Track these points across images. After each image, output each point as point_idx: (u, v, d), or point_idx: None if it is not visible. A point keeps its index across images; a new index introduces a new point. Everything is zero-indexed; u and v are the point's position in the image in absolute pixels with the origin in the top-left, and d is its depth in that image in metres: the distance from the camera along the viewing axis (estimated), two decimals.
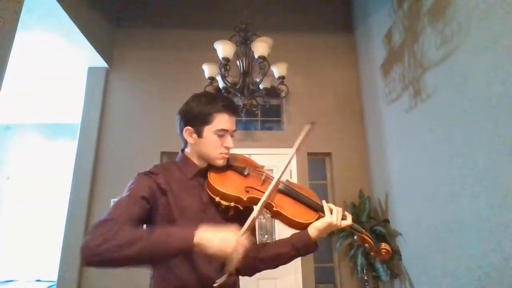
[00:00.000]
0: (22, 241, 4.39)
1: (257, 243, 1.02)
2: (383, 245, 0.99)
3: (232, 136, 0.97)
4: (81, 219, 2.60)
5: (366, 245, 1.01)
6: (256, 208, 0.86)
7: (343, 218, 0.96)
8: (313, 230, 0.92)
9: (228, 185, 0.92)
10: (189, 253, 0.72)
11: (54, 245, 3.60)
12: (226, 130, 0.93)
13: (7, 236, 4.43)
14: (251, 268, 0.97)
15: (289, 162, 0.98)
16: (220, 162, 0.95)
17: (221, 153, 0.94)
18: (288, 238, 0.96)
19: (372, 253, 1.02)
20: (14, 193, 4.61)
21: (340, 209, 0.96)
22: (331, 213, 0.93)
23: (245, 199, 0.90)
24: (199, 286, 0.86)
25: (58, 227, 2.91)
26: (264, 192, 0.90)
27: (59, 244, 2.57)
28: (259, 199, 0.89)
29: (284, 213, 0.92)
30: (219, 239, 0.72)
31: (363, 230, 1.02)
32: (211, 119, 0.92)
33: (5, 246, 4.39)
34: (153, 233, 0.72)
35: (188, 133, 0.95)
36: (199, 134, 0.93)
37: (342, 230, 0.96)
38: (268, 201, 0.91)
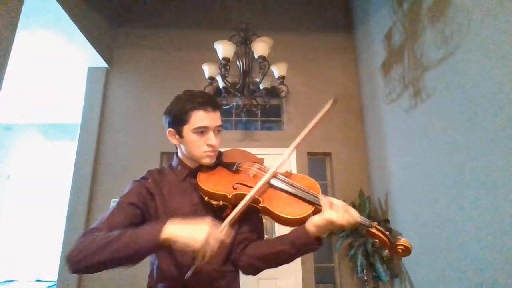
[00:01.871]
0: (22, 241, 4.39)
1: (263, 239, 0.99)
2: (402, 241, 0.80)
3: (218, 131, 0.94)
4: (81, 219, 2.60)
5: (376, 240, 0.84)
6: (241, 204, 0.81)
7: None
8: (311, 227, 0.80)
9: (214, 184, 0.89)
10: (158, 249, 0.72)
11: (54, 245, 3.60)
12: (205, 127, 0.90)
13: (7, 236, 4.43)
14: (252, 267, 0.91)
15: (293, 149, 0.90)
16: (207, 161, 0.92)
17: (205, 152, 0.91)
18: (287, 234, 0.86)
19: (386, 250, 0.85)
20: (14, 193, 4.61)
21: (342, 204, 0.79)
22: (331, 208, 0.79)
23: (229, 196, 0.86)
24: (189, 280, 0.86)
25: (58, 227, 2.91)
26: (252, 187, 0.85)
27: (59, 244, 2.57)
28: (245, 196, 0.83)
29: (271, 209, 0.83)
30: (189, 233, 0.70)
31: (373, 224, 0.84)
32: (188, 118, 0.89)
33: (5, 246, 4.39)
34: (124, 234, 0.73)
35: (171, 135, 0.95)
36: (180, 135, 0.92)
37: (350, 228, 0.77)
38: (256, 196, 0.84)
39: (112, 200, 2.69)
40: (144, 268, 0.92)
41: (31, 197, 4.58)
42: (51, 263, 4.01)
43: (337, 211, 0.78)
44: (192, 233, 0.70)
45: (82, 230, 2.57)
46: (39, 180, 4.64)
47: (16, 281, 4.23)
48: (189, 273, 0.74)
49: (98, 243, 0.72)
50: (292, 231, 0.85)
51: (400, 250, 0.81)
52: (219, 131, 0.94)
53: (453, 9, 1.77)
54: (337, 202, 0.80)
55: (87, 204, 2.65)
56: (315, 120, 0.89)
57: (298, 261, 2.68)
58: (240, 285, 0.98)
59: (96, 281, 2.51)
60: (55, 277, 2.52)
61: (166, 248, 0.72)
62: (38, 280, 4.24)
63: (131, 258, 0.73)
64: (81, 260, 0.71)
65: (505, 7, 1.43)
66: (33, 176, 4.67)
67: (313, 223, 0.79)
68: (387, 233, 0.83)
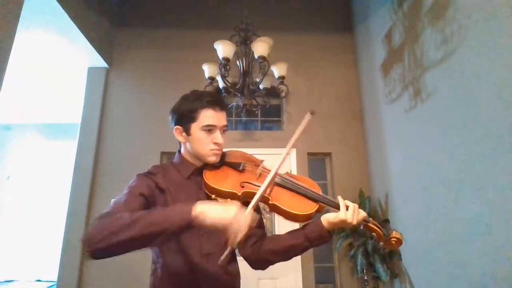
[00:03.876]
0: (22, 241, 4.39)
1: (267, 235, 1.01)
2: (394, 233, 0.92)
3: (224, 131, 0.96)
4: (81, 219, 2.59)
5: (374, 234, 0.95)
6: (252, 201, 0.83)
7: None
8: (325, 222, 0.91)
9: (222, 182, 0.91)
10: (190, 226, 0.69)
11: (54, 245, 3.60)
12: (213, 126, 0.92)
13: (7, 236, 4.43)
14: (264, 261, 0.95)
15: (287, 154, 0.95)
16: (212, 159, 0.95)
17: (211, 150, 0.93)
18: (300, 228, 0.94)
19: (381, 243, 0.95)
20: (14, 193, 4.61)
21: (356, 206, 0.93)
22: (346, 210, 0.91)
23: (239, 194, 0.89)
24: (194, 278, 0.87)
25: (58, 227, 2.91)
26: (259, 186, 0.89)
27: (59, 244, 2.57)
28: (254, 194, 0.87)
29: (281, 206, 0.89)
30: (219, 210, 0.70)
31: (370, 219, 0.97)
32: (197, 116, 0.92)
33: (5, 246, 4.39)
34: (153, 212, 0.72)
35: (178, 132, 0.97)
36: (188, 132, 0.94)
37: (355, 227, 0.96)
38: (264, 194, 0.89)
39: (112, 200, 2.68)
40: (145, 267, 0.92)
41: (31, 197, 4.57)
42: (51, 263, 4.00)
43: (351, 213, 0.90)
44: (222, 210, 0.70)
45: (82, 230, 2.57)
46: (39, 180, 4.64)
47: (16, 281, 4.23)
48: (222, 258, 0.74)
49: (126, 220, 0.69)
50: (305, 226, 0.94)
51: (393, 241, 0.92)
52: (224, 130, 0.97)
53: (453, 9, 1.77)
54: (351, 204, 0.93)
55: (87, 204, 2.64)
56: (295, 136, 0.95)
57: (298, 261, 2.68)
58: (241, 285, 0.99)
59: (96, 280, 2.51)
60: (55, 277, 2.52)
61: (196, 227, 0.70)
62: (38, 280, 4.24)
63: (159, 237, 0.69)
64: (104, 238, 0.67)
65: (505, 7, 1.43)
66: (33, 176, 4.67)
67: (327, 220, 0.91)
68: (380, 227, 0.95)
